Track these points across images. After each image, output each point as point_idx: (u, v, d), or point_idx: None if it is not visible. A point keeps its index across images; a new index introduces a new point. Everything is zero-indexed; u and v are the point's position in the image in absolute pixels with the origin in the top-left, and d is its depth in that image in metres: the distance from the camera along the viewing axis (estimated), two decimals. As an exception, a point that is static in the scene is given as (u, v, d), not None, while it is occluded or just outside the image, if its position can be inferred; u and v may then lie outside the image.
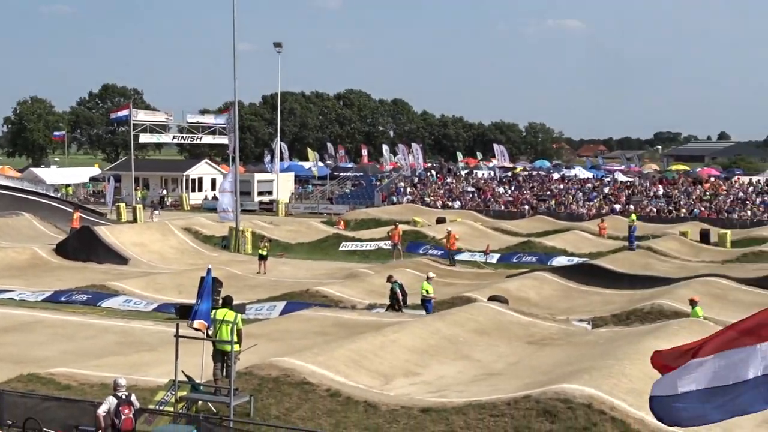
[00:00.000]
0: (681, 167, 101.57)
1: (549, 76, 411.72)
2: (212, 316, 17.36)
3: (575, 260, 43.43)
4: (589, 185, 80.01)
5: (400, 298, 28.85)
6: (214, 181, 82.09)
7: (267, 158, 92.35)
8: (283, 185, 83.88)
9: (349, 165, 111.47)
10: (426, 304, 28.04)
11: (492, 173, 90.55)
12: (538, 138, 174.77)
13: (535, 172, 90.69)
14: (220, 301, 19.92)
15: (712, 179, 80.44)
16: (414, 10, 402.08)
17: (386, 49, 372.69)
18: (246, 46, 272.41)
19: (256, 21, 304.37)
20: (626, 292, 32.86)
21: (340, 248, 51.22)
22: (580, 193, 76.71)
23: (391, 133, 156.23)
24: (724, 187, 74.84)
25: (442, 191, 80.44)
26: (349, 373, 17.92)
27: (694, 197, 72.26)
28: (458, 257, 46.20)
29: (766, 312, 8.62)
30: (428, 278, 29.41)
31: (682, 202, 71.36)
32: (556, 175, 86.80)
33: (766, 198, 66.22)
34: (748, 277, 33.58)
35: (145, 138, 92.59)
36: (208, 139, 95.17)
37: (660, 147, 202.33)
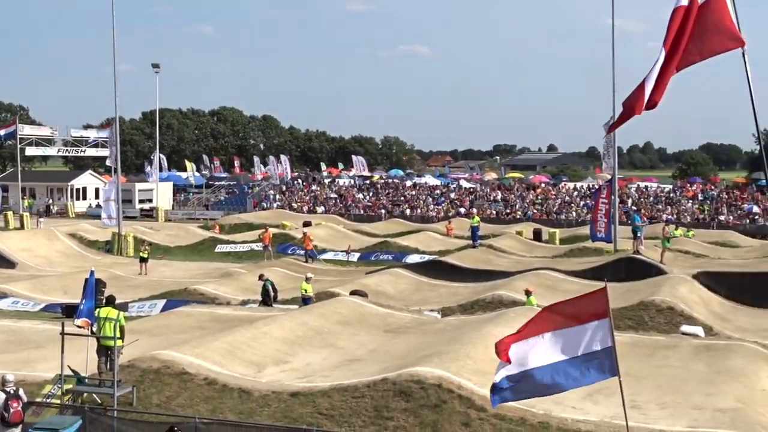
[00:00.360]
0: (516, 175, 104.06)
1: (402, 94, 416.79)
2: (96, 315, 16.99)
3: (426, 257, 43.95)
4: (438, 191, 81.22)
5: (271, 294, 28.74)
6: (97, 191, 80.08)
7: (147, 169, 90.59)
8: (162, 194, 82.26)
9: (224, 175, 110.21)
10: (306, 301, 27.91)
11: (352, 181, 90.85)
12: (393, 150, 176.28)
13: (390, 180, 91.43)
14: (104, 301, 19.38)
15: (543, 185, 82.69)
16: (282, 35, 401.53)
17: (256, 69, 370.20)
18: (126, 67, 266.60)
19: (136, 43, 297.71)
20: (470, 284, 33.39)
21: (216, 250, 50.74)
22: (430, 198, 77.81)
23: (262, 146, 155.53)
24: (553, 192, 77.12)
25: (307, 198, 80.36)
26: (224, 363, 17.71)
27: (527, 201, 74.18)
28: (323, 256, 46.30)
29: (584, 297, 8.92)
30: (307, 279, 29.30)
31: (517, 206, 73.15)
32: (408, 183, 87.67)
33: (588, 201, 68.41)
34: (574, 269, 34.61)
35: (31, 151, 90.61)
36: (91, 152, 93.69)
37: (498, 157, 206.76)
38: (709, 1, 6.56)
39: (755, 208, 65.70)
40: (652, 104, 7.05)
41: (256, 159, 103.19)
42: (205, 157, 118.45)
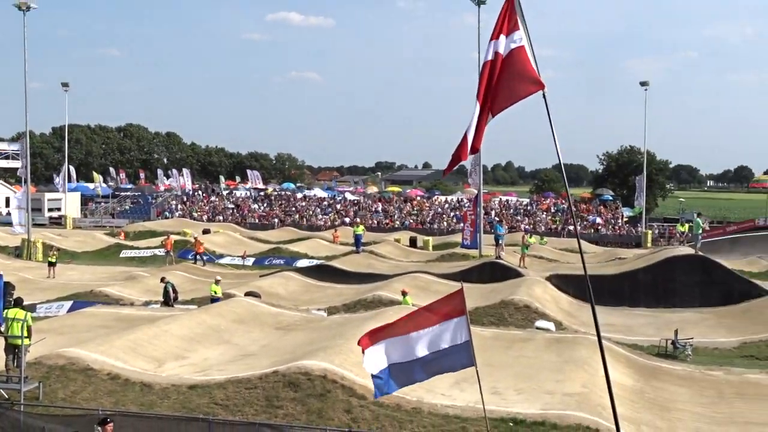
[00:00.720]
0: (395, 189, 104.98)
1: (294, 115, 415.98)
2: (4, 315, 16.36)
3: (314, 262, 43.82)
4: (325, 203, 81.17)
5: (172, 295, 28.19)
6: (8, 200, 76.81)
7: (56, 180, 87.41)
8: (70, 203, 79.56)
9: (129, 186, 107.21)
10: (214, 301, 27.36)
11: (248, 193, 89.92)
12: (286, 165, 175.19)
13: (282, 192, 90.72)
14: (12, 302, 18.65)
15: (418, 198, 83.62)
16: (184, 59, 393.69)
17: (161, 89, 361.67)
18: (37, 85, 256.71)
19: (46, 63, 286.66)
20: (354, 286, 33.50)
21: (121, 255, 49.57)
22: (318, 209, 77.67)
23: (165, 160, 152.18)
24: (427, 205, 78.07)
25: (207, 208, 79.05)
26: (127, 359, 17.26)
27: (404, 212, 74.92)
28: (221, 261, 45.73)
29: (446, 298, 9.09)
30: (216, 281, 28.88)
31: (396, 216, 73.77)
32: (299, 195, 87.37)
33: (457, 212, 69.60)
34: (444, 272, 35.08)
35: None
36: (2, 163, 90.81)
37: (380, 173, 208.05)
38: (512, 53, 6.73)
39: (598, 220, 68.24)
40: (474, 150, 7.18)
41: (159, 172, 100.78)
42: (111, 169, 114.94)
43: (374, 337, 9.23)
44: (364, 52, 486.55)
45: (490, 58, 6.96)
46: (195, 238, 45.61)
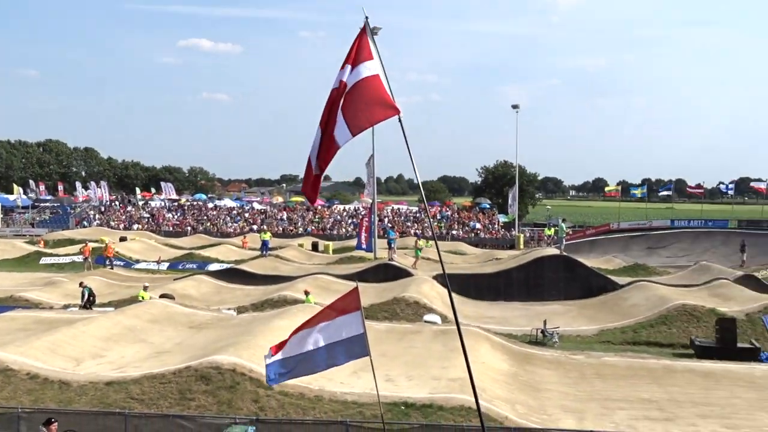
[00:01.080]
0: (298, 199, 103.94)
1: (206, 132, 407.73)
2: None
3: (225, 266, 43.04)
4: (235, 212, 79.86)
5: (90, 299, 27.13)
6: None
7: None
8: (-9, 213, 75.68)
9: (49, 197, 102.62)
10: None
11: (163, 203, 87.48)
12: (198, 178, 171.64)
13: (195, 203, 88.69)
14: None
15: (320, 207, 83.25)
16: (101, 79, 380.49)
17: (80, 107, 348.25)
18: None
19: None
20: (261, 287, 33.06)
21: (41, 262, 47.35)
22: (228, 218, 76.34)
23: (83, 173, 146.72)
24: (327, 213, 77.91)
25: (123, 217, 76.50)
26: (46, 359, 16.44)
27: (307, 220, 74.51)
28: (136, 266, 44.36)
29: (343, 296, 9.07)
30: (144, 288, 27.96)
31: (299, 223, 73.32)
32: (210, 205, 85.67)
33: (354, 220, 69.72)
34: (343, 273, 35.03)
35: None
36: None
37: (284, 185, 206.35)
38: (367, 80, 6.67)
39: (477, 225, 69.58)
40: (320, 171, 7.09)
41: (78, 184, 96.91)
42: (31, 182, 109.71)
43: (282, 344, 9.14)
44: (270, 75, 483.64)
45: (336, 86, 6.82)
46: (105, 244, 44.28)
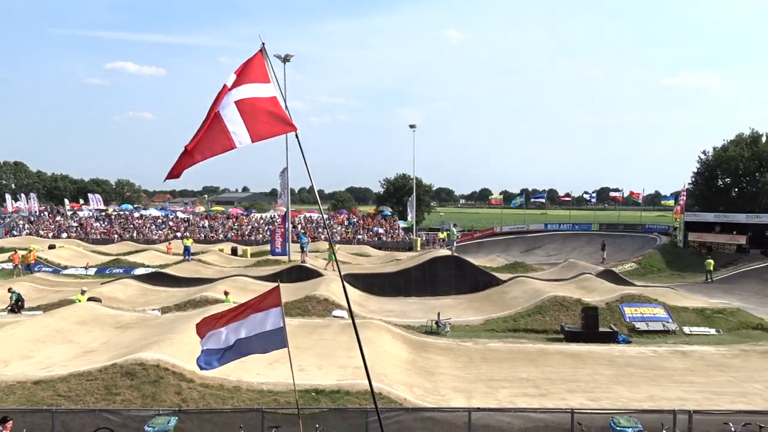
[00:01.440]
0: (219, 208, 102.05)
1: (132, 147, 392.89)
2: None
3: (150, 270, 41.57)
4: (160, 220, 77.39)
5: (18, 303, 25.63)
6: None
7: None
8: None
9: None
10: None
11: (91, 213, 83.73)
12: (124, 189, 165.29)
13: (122, 212, 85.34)
14: None
15: (239, 215, 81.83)
16: (31, 97, 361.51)
17: (10, 122, 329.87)
18: None
19: None
20: (184, 289, 32.11)
21: (-30, 270, 44.34)
22: (154, 226, 73.86)
23: (13, 186, 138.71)
24: (245, 220, 76.61)
25: (53, 226, 72.77)
26: (-26, 362, 15.42)
27: (227, 227, 73.02)
28: (65, 272, 42.27)
29: (265, 294, 8.92)
30: (82, 292, 26.54)
31: (220, 230, 71.75)
32: (137, 214, 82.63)
33: (270, 226, 68.82)
34: (260, 275, 34.51)
35: None
36: None
37: (206, 195, 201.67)
38: (266, 99, 6.58)
39: (380, 230, 69.97)
40: (191, 158, 6.69)
41: (8, 196, 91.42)
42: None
43: (208, 326, 8.89)
44: (192, 96, 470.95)
45: (219, 107, 6.50)
46: (28, 250, 42.12)
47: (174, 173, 6.44)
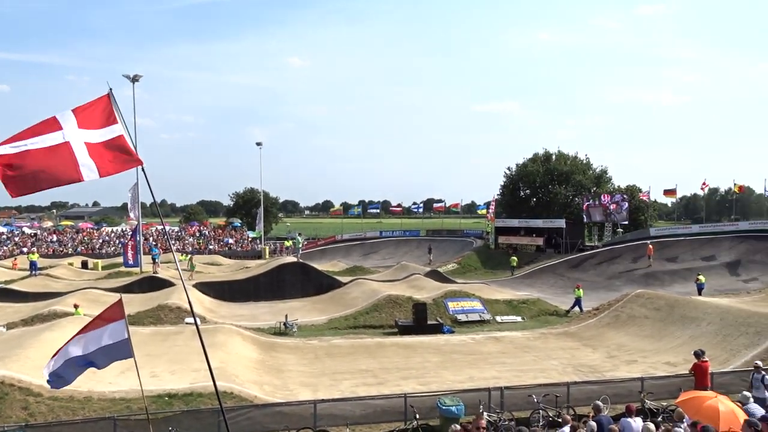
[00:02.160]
0: (68, 223, 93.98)
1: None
2: None
3: (-7, 286, 37.28)
4: (4, 236, 69.74)
5: None
6: None
7: None
8: None
9: None
10: None
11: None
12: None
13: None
14: None
15: (89, 229, 75.85)
16: None
17: None
18: None
19: None
20: (31, 304, 29.05)
21: None
22: (-3, 242, 66.57)
23: None
24: (96, 234, 71.24)
25: None
26: None
27: (77, 241, 67.49)
28: None
29: (109, 307, 8.36)
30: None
31: (69, 245, 66.09)
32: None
33: (122, 239, 64.49)
34: (112, 287, 32.14)
35: None
36: None
37: (55, 210, 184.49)
38: (115, 138, 6.39)
39: (231, 240, 68.09)
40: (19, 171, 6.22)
41: None
42: None
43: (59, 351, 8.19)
44: (39, 113, 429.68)
45: (59, 141, 6.12)
46: None
47: (19, 193, 5.87)
